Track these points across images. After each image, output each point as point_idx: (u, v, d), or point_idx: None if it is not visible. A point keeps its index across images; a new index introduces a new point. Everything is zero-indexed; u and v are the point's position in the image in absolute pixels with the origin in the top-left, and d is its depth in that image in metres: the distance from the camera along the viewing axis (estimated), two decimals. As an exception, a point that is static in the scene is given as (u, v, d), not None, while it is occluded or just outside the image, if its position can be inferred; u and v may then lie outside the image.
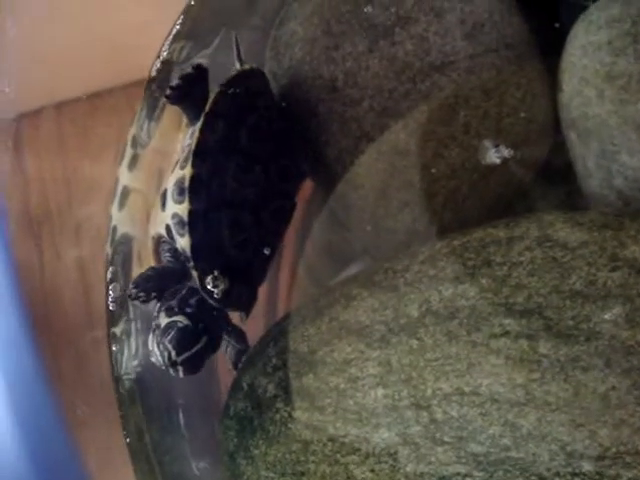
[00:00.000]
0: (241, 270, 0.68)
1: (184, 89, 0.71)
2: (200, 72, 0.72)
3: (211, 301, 0.67)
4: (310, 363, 0.63)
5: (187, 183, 0.66)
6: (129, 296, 0.69)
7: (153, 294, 0.68)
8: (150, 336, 0.67)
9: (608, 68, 0.64)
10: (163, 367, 0.66)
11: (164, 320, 0.67)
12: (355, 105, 0.71)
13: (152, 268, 0.70)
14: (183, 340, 0.65)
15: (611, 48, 0.64)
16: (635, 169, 0.64)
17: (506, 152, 0.69)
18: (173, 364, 0.65)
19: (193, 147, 0.67)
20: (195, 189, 0.66)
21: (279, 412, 0.63)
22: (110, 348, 0.77)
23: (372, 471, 0.59)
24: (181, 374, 0.66)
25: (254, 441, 0.65)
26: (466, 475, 0.56)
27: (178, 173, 0.67)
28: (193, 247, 0.66)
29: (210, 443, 0.74)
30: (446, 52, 0.69)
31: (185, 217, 0.66)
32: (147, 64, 0.81)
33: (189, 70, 0.72)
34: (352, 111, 0.71)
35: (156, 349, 0.66)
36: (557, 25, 0.72)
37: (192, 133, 0.69)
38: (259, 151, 0.70)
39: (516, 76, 0.70)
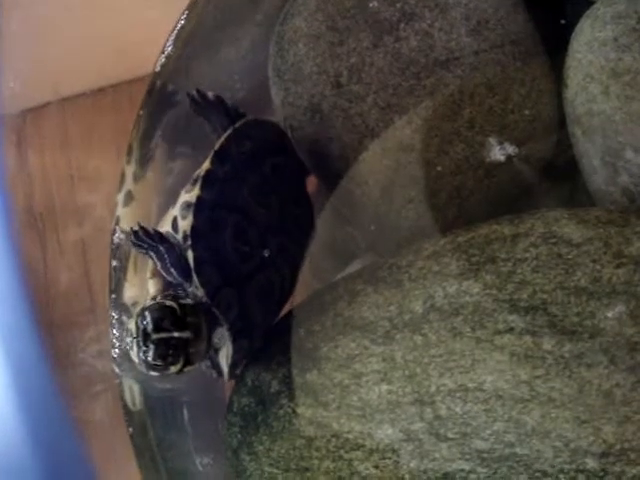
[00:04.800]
0: (237, 278, 0.66)
1: (203, 105, 0.71)
2: (219, 101, 0.72)
3: (201, 290, 0.64)
4: (314, 359, 0.63)
5: (201, 177, 0.65)
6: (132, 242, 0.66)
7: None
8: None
9: (614, 64, 0.64)
10: (133, 342, 0.61)
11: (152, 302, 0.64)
12: (359, 101, 0.71)
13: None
14: (165, 319, 0.61)
15: (617, 44, 0.64)
16: (640, 166, 0.64)
17: (511, 149, 0.69)
18: (145, 338, 0.61)
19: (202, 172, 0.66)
20: (209, 182, 0.66)
21: (283, 408, 0.63)
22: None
23: (376, 467, 0.59)
24: (150, 355, 0.61)
25: (258, 437, 0.64)
26: (470, 471, 0.56)
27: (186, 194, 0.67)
28: (194, 229, 0.64)
29: (214, 439, 0.74)
30: (451, 48, 0.69)
31: (193, 201, 0.65)
32: (151, 60, 0.80)
33: (210, 95, 0.72)
34: (356, 107, 0.71)
35: (133, 323, 0.62)
36: (562, 21, 0.72)
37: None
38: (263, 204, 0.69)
39: (521, 72, 0.70)
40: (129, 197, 0.79)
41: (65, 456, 0.60)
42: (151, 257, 0.65)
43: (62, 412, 0.61)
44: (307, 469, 0.61)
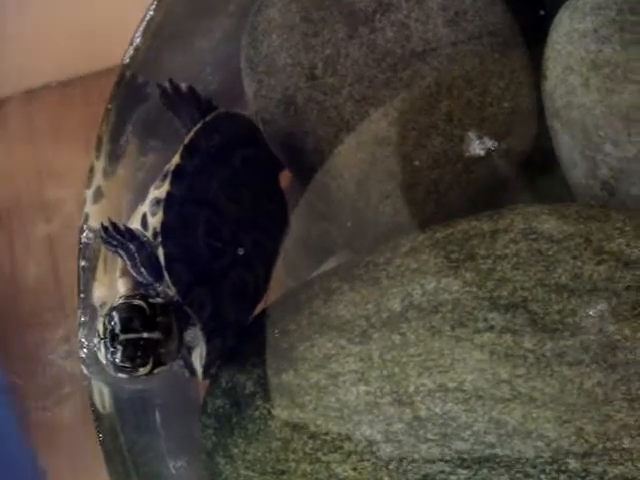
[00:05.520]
0: (209, 276, 0.64)
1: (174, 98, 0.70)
2: (192, 93, 0.71)
3: (172, 289, 0.63)
4: (290, 359, 0.62)
5: (171, 172, 0.64)
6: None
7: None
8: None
9: (593, 56, 0.63)
10: (100, 343, 0.60)
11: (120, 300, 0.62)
12: (334, 93, 0.70)
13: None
14: (134, 319, 0.59)
15: (597, 36, 0.63)
16: (620, 159, 0.63)
17: (490, 143, 0.68)
18: (113, 339, 0.59)
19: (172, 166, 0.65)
20: (179, 177, 0.64)
21: (258, 409, 0.62)
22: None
23: (354, 469, 0.58)
24: (118, 357, 0.59)
25: (233, 439, 0.63)
26: (450, 473, 0.55)
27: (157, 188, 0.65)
28: (164, 226, 0.63)
29: (188, 441, 0.73)
30: (428, 39, 0.68)
31: (162, 197, 0.63)
32: (121, 50, 0.78)
33: (183, 86, 0.71)
34: (331, 99, 0.70)
35: (101, 323, 0.60)
36: (541, 12, 0.71)
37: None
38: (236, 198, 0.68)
39: (500, 64, 0.69)
40: (99, 194, 0.78)
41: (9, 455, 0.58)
42: (120, 255, 0.64)
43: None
44: (284, 472, 0.60)
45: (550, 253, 0.57)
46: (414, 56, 0.68)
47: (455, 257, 0.60)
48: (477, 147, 0.68)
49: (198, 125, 0.67)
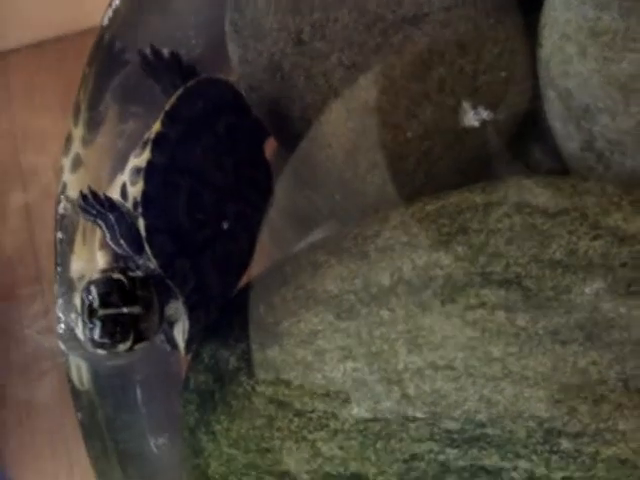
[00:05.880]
0: (192, 247, 0.63)
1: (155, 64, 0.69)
2: (174, 59, 0.70)
3: (153, 261, 0.61)
4: (275, 334, 0.61)
5: (152, 140, 0.63)
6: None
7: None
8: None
9: (592, 23, 0.62)
10: (78, 318, 0.58)
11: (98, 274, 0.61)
12: (323, 59, 0.68)
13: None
14: (112, 293, 0.58)
15: (596, 3, 0.61)
16: (618, 131, 0.62)
17: (482, 113, 0.67)
18: (91, 314, 0.58)
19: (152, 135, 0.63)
20: (160, 145, 0.63)
21: (242, 386, 0.62)
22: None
23: (341, 448, 0.57)
24: (96, 333, 0.58)
25: (216, 416, 0.63)
26: (439, 452, 0.54)
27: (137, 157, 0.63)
28: (145, 195, 0.61)
29: (169, 418, 0.72)
30: (420, 4, 0.67)
31: (143, 166, 0.62)
32: (97, 12, 0.76)
33: (165, 52, 0.69)
34: (319, 65, 0.68)
35: (78, 298, 0.59)
36: (538, -24, 0.69)
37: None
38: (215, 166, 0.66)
39: (494, 30, 0.68)
40: (77, 162, 0.76)
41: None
42: (99, 226, 0.62)
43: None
44: (268, 450, 0.60)
45: (545, 228, 0.56)
46: (406, 21, 0.67)
47: (446, 231, 0.59)
48: (469, 117, 0.67)
49: (179, 91, 0.66)
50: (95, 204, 0.62)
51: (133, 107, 0.77)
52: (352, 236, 0.63)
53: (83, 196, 0.62)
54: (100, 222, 0.62)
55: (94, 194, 0.62)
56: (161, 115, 0.64)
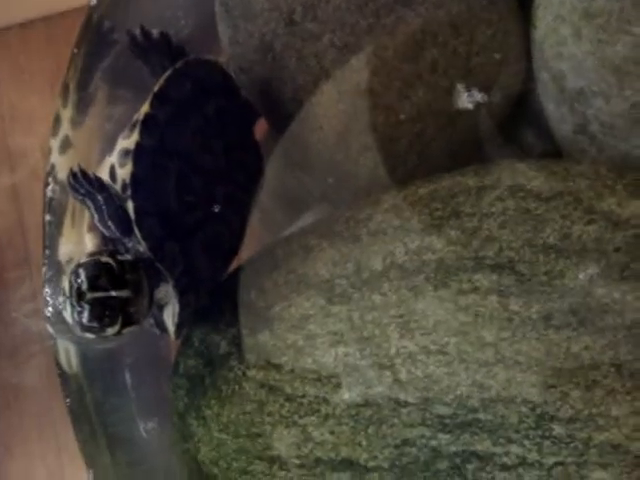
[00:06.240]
0: (181, 230, 0.62)
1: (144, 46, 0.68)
2: (164, 39, 0.69)
3: (143, 244, 0.61)
4: (266, 319, 0.61)
5: (140, 122, 0.62)
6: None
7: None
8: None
9: (586, 4, 0.61)
10: (66, 301, 0.58)
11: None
12: (314, 40, 0.67)
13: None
14: (101, 277, 0.57)
15: (590, -17, 0.61)
16: (612, 115, 0.62)
17: (479, 96, 0.66)
18: (80, 297, 0.57)
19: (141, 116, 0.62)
20: (148, 127, 0.62)
21: (233, 370, 0.61)
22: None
23: (332, 433, 0.57)
24: (84, 317, 0.57)
25: (206, 401, 0.62)
26: (431, 437, 0.54)
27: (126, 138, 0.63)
28: (133, 177, 0.60)
29: (159, 403, 0.71)
30: (413, -16, 0.66)
31: (131, 148, 0.61)
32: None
33: (154, 33, 0.69)
34: (311, 46, 0.68)
35: (66, 281, 0.58)
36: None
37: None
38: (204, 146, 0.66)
39: (487, 11, 0.67)
40: (66, 144, 0.75)
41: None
42: (87, 206, 0.61)
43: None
44: (259, 435, 0.60)
45: (538, 212, 0.56)
46: (398, 2, 0.66)
47: (439, 214, 0.58)
48: (462, 99, 0.67)
49: (168, 72, 0.65)
50: (84, 183, 0.61)
51: (122, 90, 0.76)
52: (344, 219, 0.62)
53: (73, 174, 0.61)
54: (88, 202, 0.61)
55: (84, 173, 0.61)
56: (150, 97, 0.63)
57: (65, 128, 0.75)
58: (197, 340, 0.65)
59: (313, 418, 0.57)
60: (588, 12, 0.61)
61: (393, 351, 0.56)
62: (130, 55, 0.69)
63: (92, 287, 0.57)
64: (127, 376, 0.73)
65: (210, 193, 0.65)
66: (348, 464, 0.56)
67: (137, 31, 0.68)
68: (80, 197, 0.61)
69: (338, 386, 0.57)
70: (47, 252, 0.72)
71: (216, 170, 0.65)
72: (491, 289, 0.54)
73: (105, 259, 0.58)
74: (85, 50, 0.75)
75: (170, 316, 0.63)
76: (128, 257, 0.60)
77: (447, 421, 0.54)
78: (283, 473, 0.58)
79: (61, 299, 0.58)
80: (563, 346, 0.52)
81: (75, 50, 0.74)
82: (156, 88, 0.64)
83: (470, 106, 0.66)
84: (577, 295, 0.53)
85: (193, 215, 0.63)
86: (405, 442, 0.55)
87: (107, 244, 0.62)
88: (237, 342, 0.62)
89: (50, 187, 0.73)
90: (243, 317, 0.62)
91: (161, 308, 0.63)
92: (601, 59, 0.61)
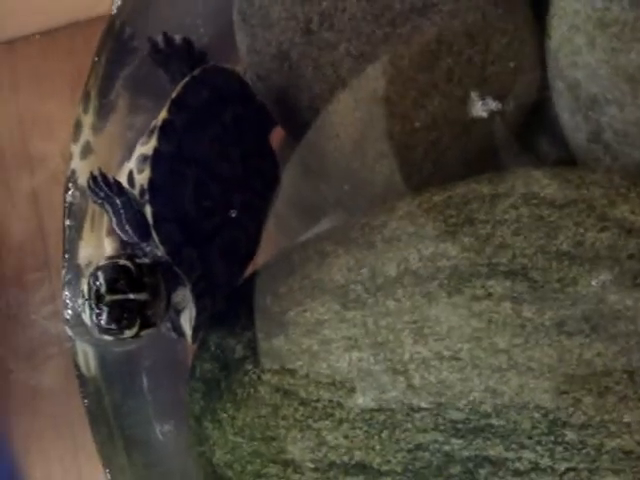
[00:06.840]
0: (199, 235, 0.63)
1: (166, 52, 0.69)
2: (186, 45, 0.70)
3: (161, 249, 0.61)
4: (281, 323, 0.61)
5: (158, 128, 0.62)
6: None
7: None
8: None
9: (600, 14, 0.61)
10: (85, 304, 0.58)
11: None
12: (331, 49, 0.68)
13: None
14: (119, 280, 0.58)
15: (604, -7, 0.61)
16: (625, 123, 0.62)
17: (494, 105, 0.66)
18: (98, 300, 0.57)
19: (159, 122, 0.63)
20: (166, 133, 0.62)
21: (248, 374, 0.62)
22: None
23: (346, 437, 0.57)
24: (103, 319, 0.57)
25: (221, 404, 0.63)
26: (444, 443, 0.54)
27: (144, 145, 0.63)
28: (151, 183, 0.61)
29: (175, 406, 0.72)
30: (429, -7, 0.67)
31: (150, 153, 0.62)
32: (105, 1, 0.76)
33: (177, 38, 0.69)
34: (327, 55, 0.68)
35: (85, 283, 0.58)
36: (548, -33, 0.69)
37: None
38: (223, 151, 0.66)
39: (502, 21, 0.67)
40: (87, 149, 0.76)
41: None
42: (106, 210, 0.62)
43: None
44: (273, 438, 0.60)
45: (552, 219, 0.56)
46: (414, 11, 0.66)
47: (453, 221, 0.58)
48: (477, 107, 0.67)
49: (186, 79, 0.66)
50: (103, 187, 0.61)
51: (144, 99, 0.77)
52: (359, 226, 0.62)
53: (93, 177, 0.61)
54: (107, 206, 0.62)
55: (104, 176, 0.61)
56: (168, 103, 0.64)
57: (86, 134, 0.75)
58: (213, 344, 0.65)
59: (327, 422, 0.58)
60: (602, 21, 0.61)
61: (407, 356, 0.56)
62: (151, 64, 0.70)
63: (110, 290, 0.58)
64: (145, 379, 0.74)
65: (227, 199, 0.65)
66: (361, 468, 0.56)
67: (159, 38, 0.69)
68: (99, 200, 0.62)
69: (352, 391, 0.57)
70: (67, 255, 0.73)
71: (233, 177, 0.66)
72: (504, 295, 0.54)
73: (123, 262, 0.59)
74: (107, 57, 0.76)
75: (187, 320, 0.64)
76: (146, 260, 0.61)
77: (460, 426, 0.54)
78: (297, 476, 0.58)
79: (80, 301, 0.59)
80: (576, 353, 0.52)
81: (96, 58, 0.75)
82: (174, 95, 0.64)
83: (485, 115, 0.66)
84: (590, 302, 0.53)
85: (211, 221, 0.64)
86: (418, 447, 0.55)
87: (125, 248, 0.62)
88: (252, 346, 0.62)
89: (70, 192, 0.74)
90: (258, 321, 0.63)
91: (178, 312, 0.64)
92: (615, 67, 0.61)
